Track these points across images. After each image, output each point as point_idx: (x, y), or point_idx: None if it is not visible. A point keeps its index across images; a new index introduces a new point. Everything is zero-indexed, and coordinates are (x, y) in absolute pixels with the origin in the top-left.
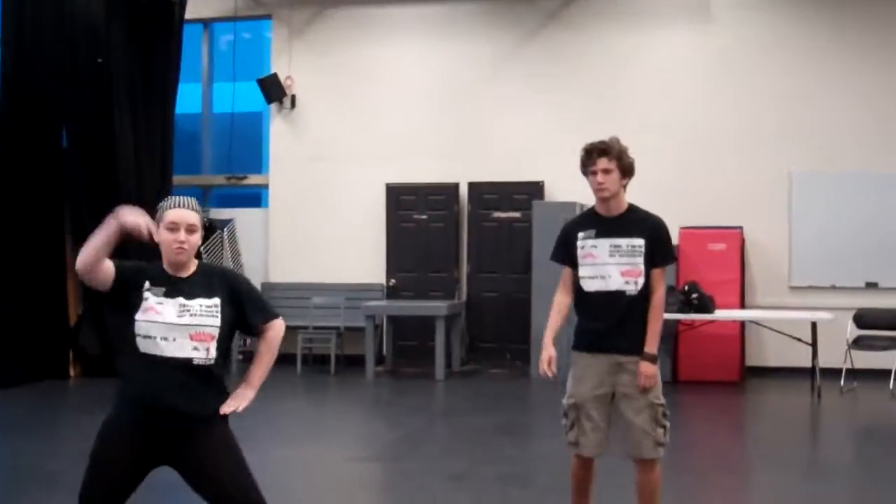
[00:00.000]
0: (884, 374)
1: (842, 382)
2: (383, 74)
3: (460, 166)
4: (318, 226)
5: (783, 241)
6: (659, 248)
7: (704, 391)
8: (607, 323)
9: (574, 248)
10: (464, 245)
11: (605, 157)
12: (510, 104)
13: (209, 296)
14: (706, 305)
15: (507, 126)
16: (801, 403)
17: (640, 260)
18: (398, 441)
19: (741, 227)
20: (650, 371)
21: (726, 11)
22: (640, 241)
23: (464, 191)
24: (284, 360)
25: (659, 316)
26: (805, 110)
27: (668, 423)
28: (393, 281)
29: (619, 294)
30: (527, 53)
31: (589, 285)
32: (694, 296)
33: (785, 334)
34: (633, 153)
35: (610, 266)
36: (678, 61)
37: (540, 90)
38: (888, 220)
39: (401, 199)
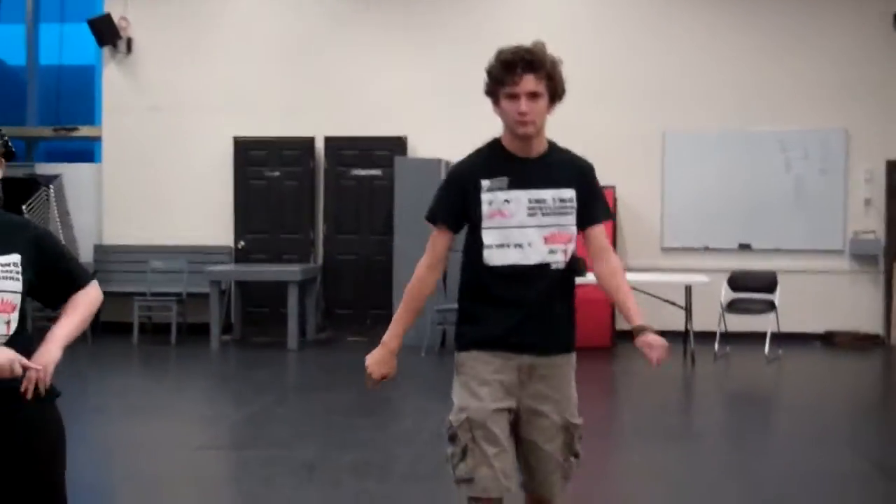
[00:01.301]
0: (758, 338)
1: (716, 347)
2: (231, 18)
3: (316, 120)
4: (157, 183)
5: (655, 202)
6: (595, 199)
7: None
8: (521, 311)
9: (473, 202)
10: (320, 205)
11: (532, 73)
12: (369, 54)
13: (4, 252)
14: (578, 268)
15: (367, 77)
16: (674, 369)
17: (571, 220)
18: (243, 423)
19: (613, 187)
20: (660, 340)
21: None
22: (571, 193)
23: (320, 146)
24: (118, 329)
25: (626, 285)
26: (679, 69)
27: (581, 451)
28: (242, 243)
29: (541, 269)
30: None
31: (496, 257)
32: None
33: (658, 297)
34: (396, 108)
35: (529, 229)
36: (550, 11)
37: (402, 39)
38: (761, 180)
39: (250, 154)
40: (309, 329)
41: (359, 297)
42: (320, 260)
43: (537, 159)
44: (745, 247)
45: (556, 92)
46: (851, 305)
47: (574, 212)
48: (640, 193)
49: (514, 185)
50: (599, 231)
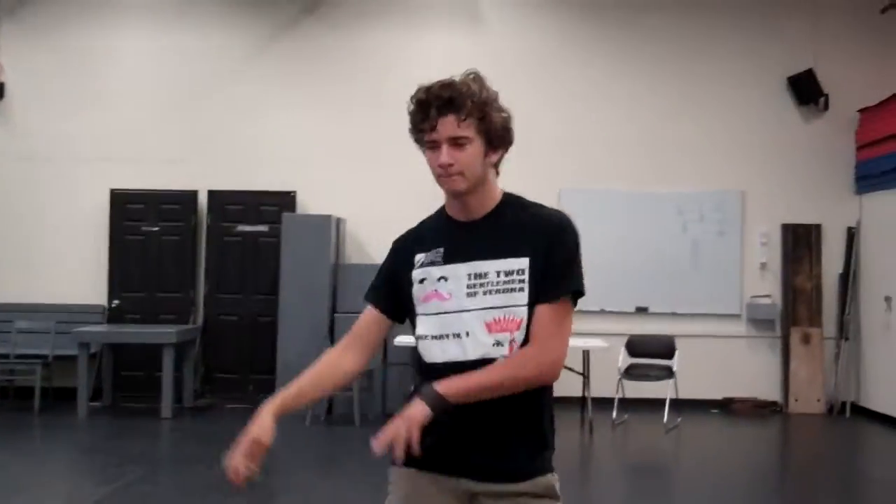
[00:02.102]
0: (656, 404)
1: (614, 414)
2: (111, 64)
3: (199, 172)
4: (26, 237)
5: None
6: (557, 268)
7: None
8: (462, 421)
9: (406, 281)
10: (201, 262)
11: (453, 114)
12: (258, 105)
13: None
14: None
15: (256, 129)
16: (571, 437)
17: (522, 298)
18: (104, 503)
19: None
20: (412, 412)
21: (496, 13)
22: (522, 263)
23: (203, 200)
24: None
25: (507, 368)
26: (576, 127)
27: None
28: (116, 302)
29: (485, 364)
30: (279, 49)
31: (432, 352)
32: None
33: None
34: (395, 165)
35: (467, 314)
36: (445, 64)
37: (293, 91)
38: (658, 242)
39: (128, 207)
40: (186, 395)
41: (241, 361)
42: (200, 320)
43: (482, 221)
44: (642, 310)
45: (493, 134)
46: (749, 371)
47: (526, 288)
48: None
49: (450, 257)
50: (544, 312)
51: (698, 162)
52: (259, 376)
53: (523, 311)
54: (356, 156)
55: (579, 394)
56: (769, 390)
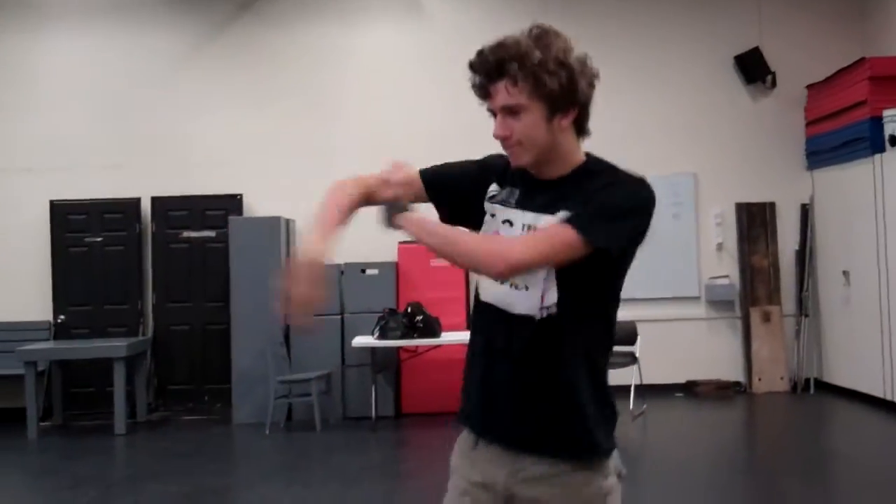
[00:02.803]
0: (622, 391)
1: None
2: (44, 69)
3: (141, 178)
4: None
5: None
6: (592, 209)
7: (430, 425)
8: (504, 377)
9: (477, 204)
10: (148, 271)
11: (503, 79)
12: (199, 106)
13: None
14: (432, 328)
15: (197, 131)
16: None
17: None
18: None
19: None
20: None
21: (436, 3)
22: (563, 215)
23: (146, 207)
24: None
25: (471, 241)
26: None
27: None
28: (62, 317)
29: (523, 322)
30: (218, 48)
31: (484, 289)
32: (418, 318)
33: None
34: (343, 162)
35: None
36: (389, 59)
37: (234, 91)
38: None
39: (69, 218)
40: (140, 409)
41: (194, 371)
42: (150, 332)
43: (555, 181)
44: None
45: (555, 97)
46: (711, 353)
47: None
48: None
49: (520, 203)
50: (550, 224)
51: (649, 145)
52: (214, 386)
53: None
54: (303, 154)
55: None
56: (732, 371)
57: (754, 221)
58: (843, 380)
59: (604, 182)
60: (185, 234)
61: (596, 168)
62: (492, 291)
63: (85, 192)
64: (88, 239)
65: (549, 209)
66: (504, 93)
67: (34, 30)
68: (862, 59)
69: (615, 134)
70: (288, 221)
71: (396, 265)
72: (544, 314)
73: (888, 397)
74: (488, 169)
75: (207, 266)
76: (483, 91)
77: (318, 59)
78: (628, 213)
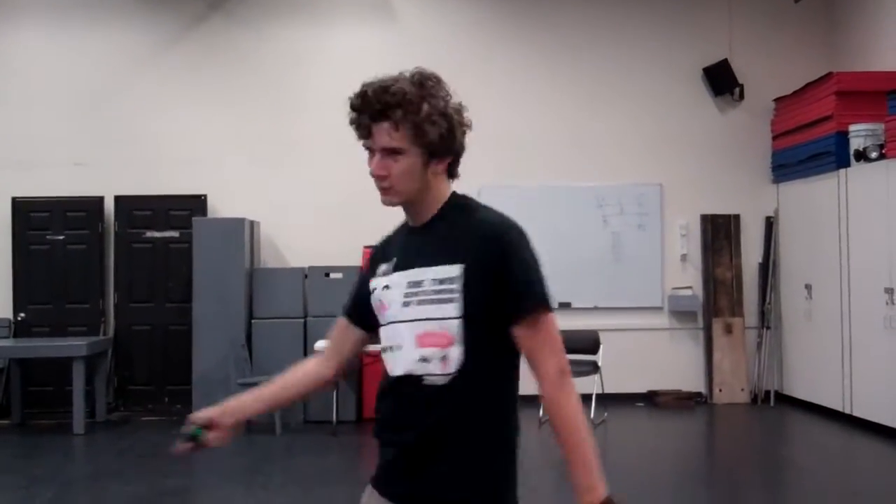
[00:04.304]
0: (582, 400)
1: (540, 412)
2: (8, 66)
3: (105, 177)
4: None
5: None
6: (511, 278)
7: None
8: (401, 438)
9: (366, 291)
10: (110, 270)
11: (385, 121)
12: (165, 105)
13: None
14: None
15: (163, 131)
16: (524, 437)
17: (453, 310)
18: None
19: None
20: None
21: (407, 7)
22: (455, 270)
23: (109, 206)
24: None
25: (575, 426)
26: (493, 121)
27: None
28: (22, 315)
29: (411, 383)
30: (185, 47)
31: (386, 365)
32: None
33: None
34: (310, 164)
35: (401, 325)
36: (357, 60)
37: (201, 90)
38: (580, 237)
39: (31, 216)
40: (99, 409)
41: (155, 372)
42: (111, 331)
43: (426, 226)
44: (565, 305)
45: (436, 146)
46: (673, 363)
47: (459, 299)
48: None
49: (398, 265)
50: (524, 331)
51: (617, 155)
52: (174, 387)
53: (455, 325)
54: (269, 156)
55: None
56: (693, 381)
57: (719, 233)
58: (804, 392)
59: (484, 227)
60: (149, 233)
61: (468, 206)
62: (391, 365)
63: (48, 189)
64: (50, 237)
65: (429, 261)
66: (386, 135)
67: (0, 24)
68: (829, 74)
69: (584, 143)
70: (252, 223)
71: (361, 269)
72: (438, 376)
73: (847, 411)
74: (372, 262)
75: (170, 266)
76: (364, 130)
77: (286, 61)
78: (530, 258)
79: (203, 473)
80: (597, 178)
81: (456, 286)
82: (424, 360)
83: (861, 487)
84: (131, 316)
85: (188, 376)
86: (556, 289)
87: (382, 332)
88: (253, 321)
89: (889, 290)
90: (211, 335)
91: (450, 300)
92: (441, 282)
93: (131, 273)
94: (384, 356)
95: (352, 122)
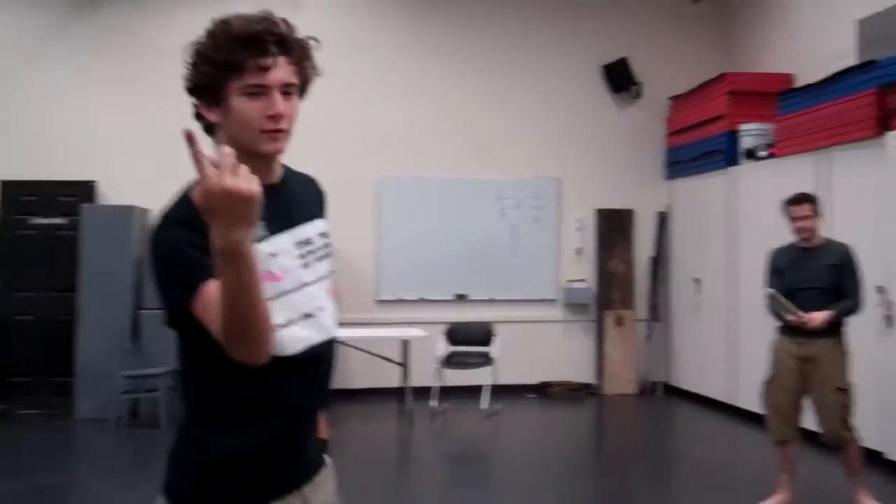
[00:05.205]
0: (476, 391)
1: (434, 403)
2: None
3: None
4: None
5: (370, 253)
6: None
7: None
8: (304, 421)
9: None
10: None
11: (286, 56)
12: (54, 90)
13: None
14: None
15: (51, 116)
16: (389, 428)
17: (331, 263)
18: None
19: None
20: None
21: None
22: (325, 224)
23: None
24: None
25: None
26: (393, 113)
27: None
28: None
29: (329, 349)
30: (76, 32)
31: (283, 344)
32: None
33: (373, 354)
34: (85, 149)
35: (310, 288)
36: None
37: (90, 75)
38: (477, 229)
39: None
40: None
41: (37, 363)
42: None
43: (282, 184)
44: (461, 297)
45: (306, 87)
46: (565, 355)
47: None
48: (355, 243)
49: (274, 227)
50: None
51: (516, 149)
52: (56, 379)
53: (332, 279)
54: (159, 142)
55: (398, 384)
56: (584, 373)
57: (613, 227)
58: (690, 384)
59: (315, 182)
60: (35, 220)
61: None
62: (306, 336)
63: None
64: None
65: (308, 216)
66: (286, 69)
67: None
68: (722, 75)
69: (483, 137)
70: (142, 211)
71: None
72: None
73: (731, 402)
74: (192, 237)
75: (56, 254)
76: (259, 62)
77: (176, 45)
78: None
79: (83, 469)
80: (495, 172)
81: (328, 240)
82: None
83: (742, 477)
84: (14, 305)
85: (70, 368)
86: (453, 281)
87: (283, 301)
88: (139, 312)
89: None
90: (95, 326)
91: (330, 254)
92: (324, 235)
93: (15, 260)
94: (289, 331)
95: (240, 50)
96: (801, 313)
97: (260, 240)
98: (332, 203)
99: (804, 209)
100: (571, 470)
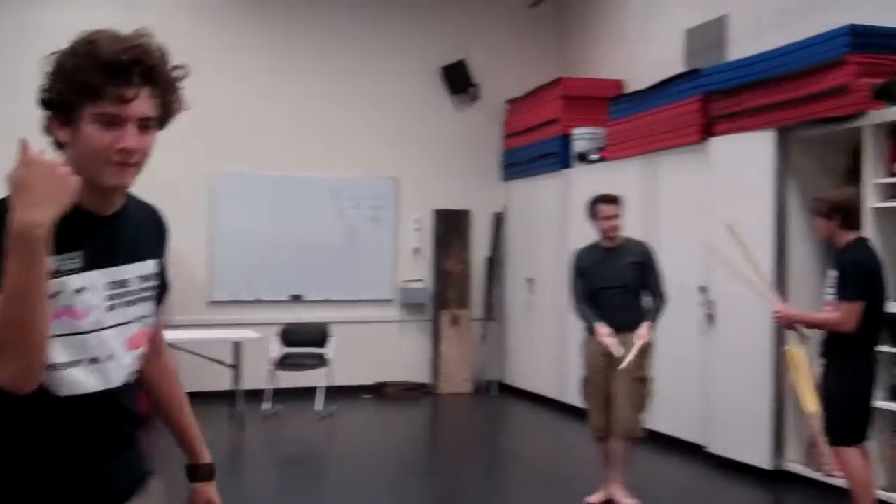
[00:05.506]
0: (311, 393)
1: (267, 405)
2: None
3: None
4: None
5: (202, 251)
6: (163, 267)
7: None
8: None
9: None
10: None
11: (150, 87)
12: None
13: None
14: None
15: None
16: (220, 431)
17: (153, 306)
18: None
19: None
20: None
21: None
22: (152, 266)
23: None
24: None
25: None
26: (229, 109)
27: None
28: None
29: (119, 394)
30: None
31: (61, 383)
32: None
33: (204, 356)
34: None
35: (108, 332)
36: None
37: None
38: (313, 229)
39: None
40: None
41: None
42: None
43: (119, 216)
44: (296, 298)
45: (167, 121)
46: (402, 355)
47: (154, 296)
48: (186, 242)
49: (90, 262)
50: (159, 311)
51: (354, 148)
52: None
53: (152, 321)
54: None
55: (229, 387)
56: (420, 373)
57: (450, 228)
58: (524, 382)
59: (155, 216)
60: None
61: (132, 199)
62: (87, 382)
63: None
64: None
65: (133, 256)
66: (148, 103)
67: None
68: (558, 79)
69: (320, 135)
70: None
71: None
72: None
73: (561, 399)
74: None
75: None
76: (121, 92)
77: (8, 34)
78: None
79: None
80: (333, 172)
81: (153, 283)
82: (133, 361)
83: (572, 472)
84: None
85: None
86: (288, 281)
87: (74, 341)
88: None
89: None
90: None
91: (152, 297)
92: (145, 279)
93: None
94: (68, 372)
95: (102, 76)
96: (609, 343)
97: (71, 272)
98: (162, 202)
99: (614, 208)
100: (406, 469)
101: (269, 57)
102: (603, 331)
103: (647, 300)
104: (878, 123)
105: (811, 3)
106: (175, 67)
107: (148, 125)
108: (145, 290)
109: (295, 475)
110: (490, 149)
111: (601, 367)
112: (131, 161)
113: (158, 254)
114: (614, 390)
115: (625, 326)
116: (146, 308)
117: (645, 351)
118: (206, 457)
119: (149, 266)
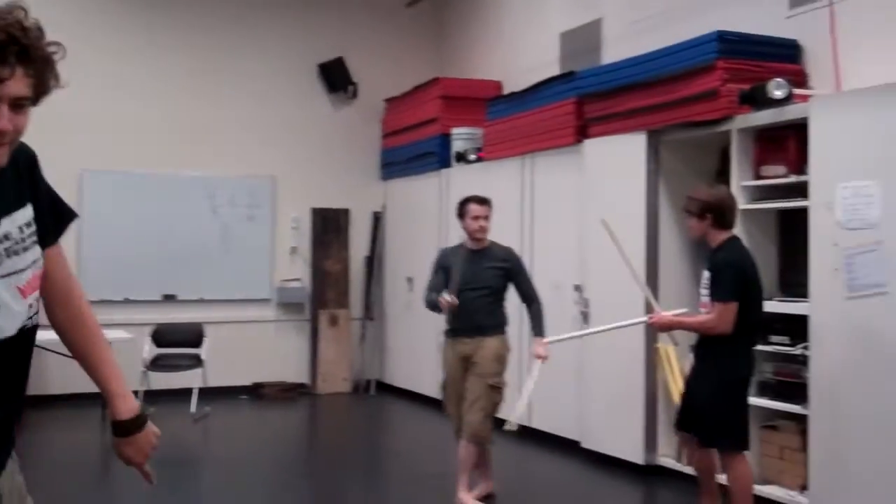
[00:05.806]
0: (185, 395)
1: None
2: None
3: None
4: None
5: (70, 249)
6: (53, 204)
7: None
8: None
9: None
10: None
11: (23, 66)
12: None
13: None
14: None
15: None
16: (88, 435)
17: (39, 250)
18: None
19: None
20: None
21: None
22: (30, 212)
23: None
24: None
25: (103, 335)
26: (99, 104)
27: None
28: None
29: (19, 341)
30: None
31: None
32: None
33: (72, 357)
34: None
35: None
36: None
37: None
38: (187, 227)
39: None
40: None
41: None
42: None
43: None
44: (169, 297)
45: (42, 97)
46: (279, 355)
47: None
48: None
49: None
50: (58, 250)
51: (229, 146)
52: None
53: (42, 264)
54: None
55: (97, 389)
56: (298, 373)
57: (329, 227)
58: (402, 381)
59: (25, 155)
60: None
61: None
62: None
63: None
64: None
65: (14, 206)
66: (22, 82)
67: None
68: (435, 79)
69: (194, 132)
70: None
71: None
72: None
73: (438, 397)
74: None
75: None
76: None
77: None
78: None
79: None
80: (207, 169)
81: (35, 227)
82: (31, 307)
83: (449, 469)
84: None
85: None
86: (160, 280)
87: None
88: None
89: None
90: None
91: (36, 241)
92: (28, 226)
93: None
94: None
95: None
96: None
97: None
98: None
99: (484, 209)
100: (283, 470)
101: (141, 52)
102: (444, 298)
103: (506, 305)
104: (745, 128)
105: (684, 8)
106: (51, 44)
107: (22, 104)
108: (30, 236)
109: (169, 478)
110: (369, 148)
111: (457, 369)
112: (4, 141)
113: (35, 195)
114: (467, 394)
115: (482, 330)
116: (34, 253)
117: (500, 358)
118: (127, 408)
119: (28, 212)
